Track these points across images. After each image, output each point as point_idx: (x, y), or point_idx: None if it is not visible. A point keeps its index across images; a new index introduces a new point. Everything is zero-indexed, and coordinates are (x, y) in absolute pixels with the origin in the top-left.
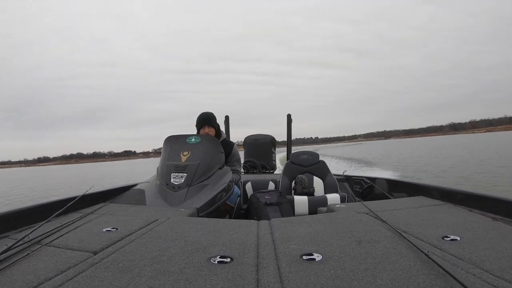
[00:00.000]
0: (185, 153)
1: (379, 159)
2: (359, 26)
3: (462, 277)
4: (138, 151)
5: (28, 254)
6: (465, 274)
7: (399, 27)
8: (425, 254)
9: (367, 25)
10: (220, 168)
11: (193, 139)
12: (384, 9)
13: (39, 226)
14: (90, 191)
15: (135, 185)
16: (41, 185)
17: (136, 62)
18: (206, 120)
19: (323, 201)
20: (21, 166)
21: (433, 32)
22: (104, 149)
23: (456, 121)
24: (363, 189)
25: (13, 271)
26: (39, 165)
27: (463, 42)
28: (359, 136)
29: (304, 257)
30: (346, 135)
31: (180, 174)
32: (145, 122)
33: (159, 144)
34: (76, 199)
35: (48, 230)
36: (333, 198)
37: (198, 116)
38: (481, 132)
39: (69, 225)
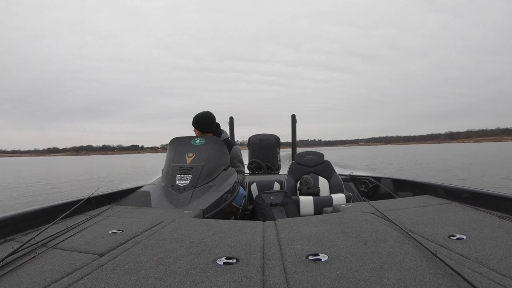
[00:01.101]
0: (190, 154)
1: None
2: (368, 31)
3: (469, 276)
4: (145, 145)
5: (35, 256)
6: (472, 273)
7: (408, 34)
8: (432, 253)
9: (376, 31)
10: (225, 169)
11: (197, 141)
12: (393, 15)
13: (45, 229)
14: (96, 194)
15: (141, 187)
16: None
17: (146, 58)
18: (194, 121)
19: (329, 201)
20: (31, 156)
21: (441, 40)
22: (111, 142)
23: (457, 130)
24: (368, 189)
25: (19, 274)
26: (50, 156)
27: (471, 51)
28: (361, 140)
29: (310, 258)
30: (350, 138)
31: (185, 175)
32: (152, 117)
33: (166, 139)
34: (82, 201)
35: (54, 233)
36: (339, 198)
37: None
38: (470, 142)
39: (75, 227)
